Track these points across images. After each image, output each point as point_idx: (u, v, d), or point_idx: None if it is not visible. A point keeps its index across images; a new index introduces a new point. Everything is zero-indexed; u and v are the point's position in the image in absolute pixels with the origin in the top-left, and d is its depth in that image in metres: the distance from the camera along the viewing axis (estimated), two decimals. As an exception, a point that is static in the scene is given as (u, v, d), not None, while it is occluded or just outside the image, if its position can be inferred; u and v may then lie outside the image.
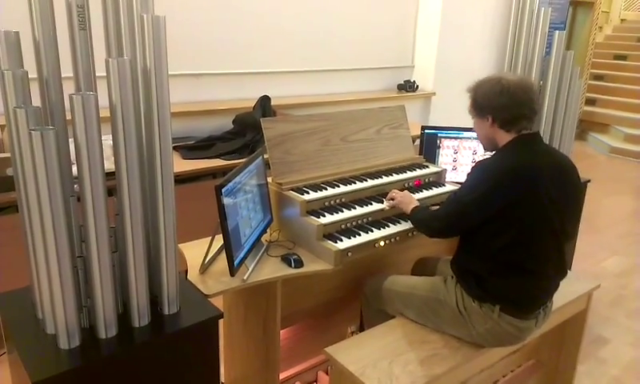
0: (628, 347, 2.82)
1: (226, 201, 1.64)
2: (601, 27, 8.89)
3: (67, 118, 1.31)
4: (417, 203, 1.98)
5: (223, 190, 1.62)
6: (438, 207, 1.94)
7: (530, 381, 2.36)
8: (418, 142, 2.77)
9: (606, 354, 2.75)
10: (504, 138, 1.76)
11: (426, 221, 1.89)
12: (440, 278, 1.90)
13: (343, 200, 2.07)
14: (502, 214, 1.65)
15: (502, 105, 1.72)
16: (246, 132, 3.33)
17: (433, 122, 4.74)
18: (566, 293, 1.98)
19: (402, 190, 2.25)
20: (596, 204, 4.79)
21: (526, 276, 1.70)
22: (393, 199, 2.05)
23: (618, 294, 3.38)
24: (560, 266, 1.78)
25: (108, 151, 1.43)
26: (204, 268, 1.76)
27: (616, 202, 5.33)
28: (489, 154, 1.87)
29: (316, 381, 2.21)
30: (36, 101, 1.29)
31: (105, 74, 1.23)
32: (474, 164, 2.61)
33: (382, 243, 1.96)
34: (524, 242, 1.67)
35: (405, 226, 2.03)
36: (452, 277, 1.84)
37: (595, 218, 4.62)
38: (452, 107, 4.86)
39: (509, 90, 1.71)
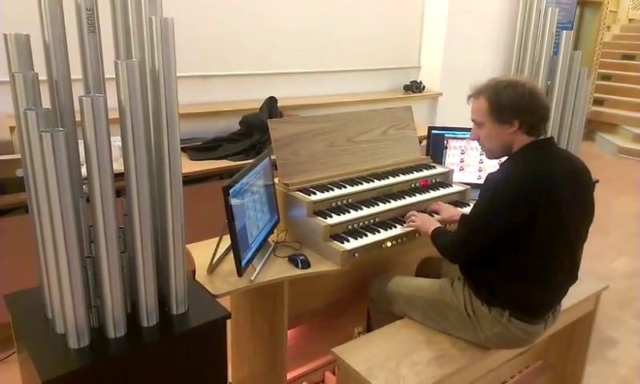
0: (636, 348, 2.80)
1: (234, 202, 1.64)
2: (609, 27, 8.83)
3: (77, 120, 1.32)
4: (437, 224, 1.93)
5: (231, 191, 1.62)
6: (455, 230, 1.87)
7: (538, 382, 2.35)
8: (424, 142, 2.76)
9: (615, 354, 2.73)
10: (522, 142, 1.70)
11: (450, 248, 1.81)
12: (447, 280, 1.88)
13: (350, 201, 2.08)
14: (520, 225, 1.61)
15: (531, 109, 1.66)
16: (253, 133, 3.34)
17: (439, 122, 4.73)
18: (575, 294, 1.97)
19: (409, 190, 2.26)
20: (604, 205, 4.76)
21: (537, 282, 1.68)
22: (413, 221, 2.02)
23: (626, 295, 3.35)
24: (572, 271, 1.76)
25: (117, 152, 1.45)
26: (212, 268, 1.77)
27: (625, 202, 5.29)
28: (495, 161, 1.83)
29: (323, 381, 2.21)
30: (46, 103, 1.30)
31: (114, 76, 1.25)
32: (481, 162, 2.63)
33: (388, 244, 1.96)
34: (539, 249, 1.63)
35: (412, 226, 2.03)
36: (459, 279, 1.83)
37: (604, 218, 4.58)
38: (459, 108, 4.85)
39: (531, 93, 1.66)
